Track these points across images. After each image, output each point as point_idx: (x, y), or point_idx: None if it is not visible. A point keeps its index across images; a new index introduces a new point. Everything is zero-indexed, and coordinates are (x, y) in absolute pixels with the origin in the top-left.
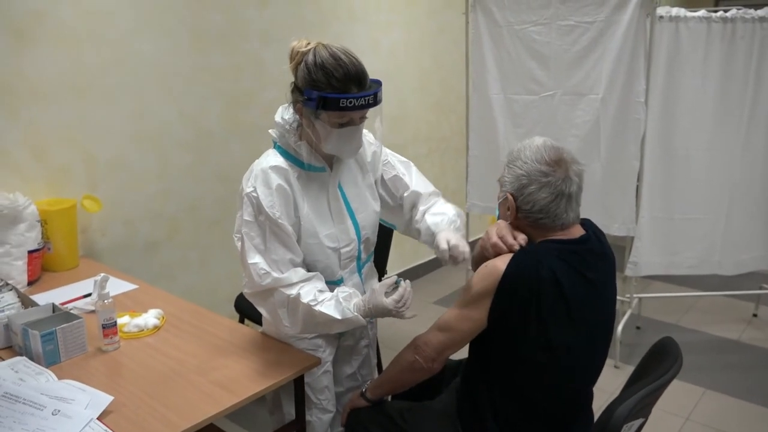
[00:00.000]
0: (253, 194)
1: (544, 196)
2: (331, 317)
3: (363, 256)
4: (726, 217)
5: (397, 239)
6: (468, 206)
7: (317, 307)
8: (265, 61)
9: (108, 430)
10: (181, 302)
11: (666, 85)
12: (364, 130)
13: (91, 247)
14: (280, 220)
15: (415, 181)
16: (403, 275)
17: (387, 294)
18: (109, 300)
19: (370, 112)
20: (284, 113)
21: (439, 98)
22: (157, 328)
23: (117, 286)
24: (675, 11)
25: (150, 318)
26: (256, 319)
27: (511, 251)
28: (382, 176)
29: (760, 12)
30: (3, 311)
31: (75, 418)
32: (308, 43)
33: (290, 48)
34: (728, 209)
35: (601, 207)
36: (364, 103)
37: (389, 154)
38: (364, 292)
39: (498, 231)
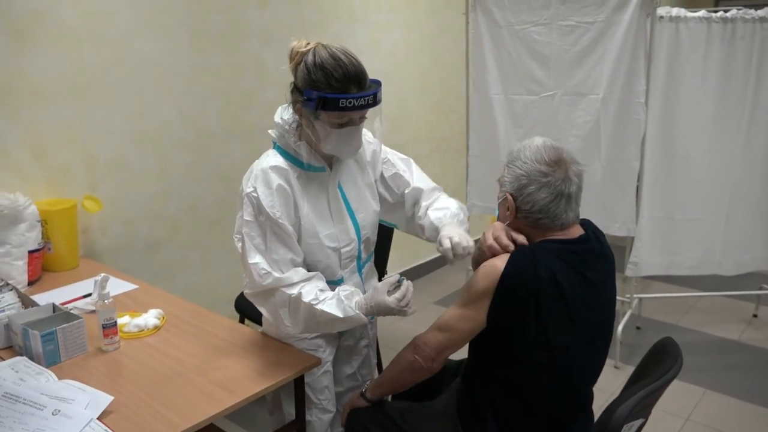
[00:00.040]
0: (254, 194)
1: (543, 196)
2: (333, 316)
3: (363, 255)
4: (726, 218)
5: (398, 239)
6: (468, 206)
7: (319, 306)
8: (265, 61)
9: (108, 430)
10: (181, 302)
11: (666, 85)
12: (364, 130)
13: (91, 247)
14: (280, 220)
15: (416, 177)
16: (404, 275)
17: (389, 293)
18: (110, 300)
19: (370, 112)
20: (283, 113)
21: (440, 98)
22: (157, 328)
23: (117, 286)
24: (675, 11)
25: (150, 318)
26: (257, 319)
27: (506, 252)
28: (382, 174)
29: (761, 12)
30: (3, 311)
31: (75, 418)
32: (308, 44)
33: (290, 48)
34: (728, 210)
35: (601, 207)
36: (363, 103)
37: (389, 152)
38: (364, 292)
39: (494, 232)
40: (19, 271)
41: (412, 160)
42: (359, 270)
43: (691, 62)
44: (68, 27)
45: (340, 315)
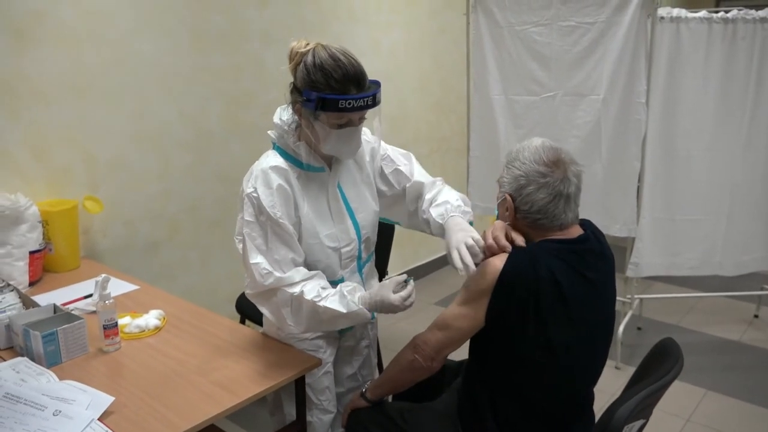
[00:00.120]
0: (254, 194)
1: (542, 196)
2: (336, 311)
3: (363, 255)
4: (727, 218)
5: (398, 240)
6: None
7: (321, 303)
8: (266, 61)
9: (109, 430)
10: (181, 303)
11: (667, 85)
12: (363, 128)
13: (92, 247)
14: (281, 220)
15: (417, 171)
16: (403, 275)
17: (395, 291)
18: (110, 301)
19: (370, 113)
20: (282, 114)
21: (440, 99)
22: (158, 328)
23: (118, 286)
24: (676, 12)
25: (151, 318)
26: (257, 319)
27: (503, 252)
28: (382, 170)
29: (761, 13)
30: (4, 312)
31: (76, 419)
32: (307, 44)
33: (289, 48)
34: (729, 210)
35: (602, 208)
36: (363, 104)
37: (388, 149)
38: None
39: (493, 232)
40: (20, 272)
41: (412, 155)
42: (359, 270)
43: (691, 63)
44: (68, 27)
45: (344, 310)
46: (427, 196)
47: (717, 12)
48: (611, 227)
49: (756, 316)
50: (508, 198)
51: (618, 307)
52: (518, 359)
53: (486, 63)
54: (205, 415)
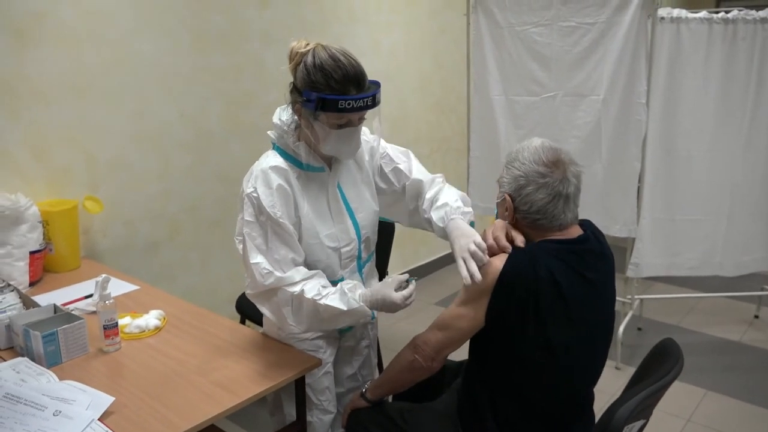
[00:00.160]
0: (254, 194)
1: (541, 197)
2: (337, 309)
3: (363, 255)
4: (727, 219)
5: (398, 240)
6: None
7: (322, 301)
8: (266, 61)
9: (109, 430)
10: (182, 303)
11: (667, 86)
12: (363, 128)
13: (92, 248)
14: (281, 220)
15: (415, 168)
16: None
17: (396, 289)
18: (111, 301)
19: (369, 113)
20: (282, 114)
21: (440, 99)
22: (158, 328)
23: (118, 287)
24: (676, 12)
25: (151, 319)
26: (257, 319)
27: (504, 252)
28: (381, 168)
29: (762, 13)
30: (5, 312)
31: (76, 419)
32: (307, 44)
33: (289, 49)
34: (729, 210)
35: (602, 208)
36: (362, 104)
37: (388, 147)
38: None
39: (494, 232)
40: (20, 272)
41: (410, 152)
42: (359, 270)
43: (692, 63)
44: (68, 27)
45: (344, 308)
46: (428, 195)
47: (717, 12)
48: (611, 227)
49: (756, 317)
50: (508, 198)
51: (618, 307)
52: (518, 359)
53: (486, 63)
54: (205, 415)
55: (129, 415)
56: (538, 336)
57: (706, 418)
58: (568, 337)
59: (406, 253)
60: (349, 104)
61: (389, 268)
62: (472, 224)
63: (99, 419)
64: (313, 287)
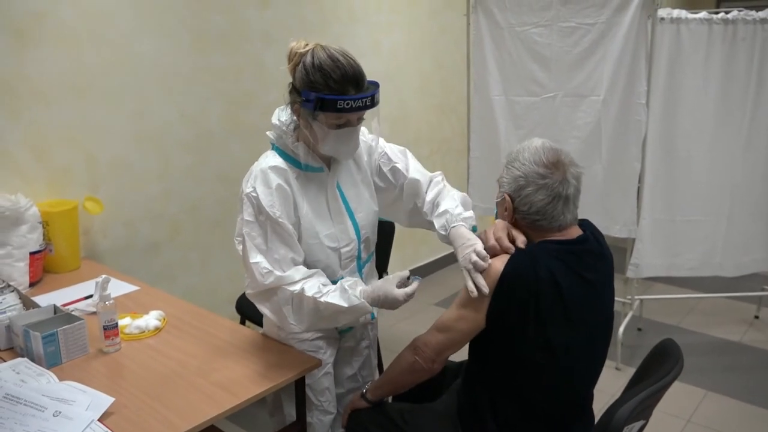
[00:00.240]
0: (253, 194)
1: (541, 198)
2: (338, 306)
3: (363, 255)
4: (727, 219)
5: (399, 240)
6: None
7: (323, 299)
8: (266, 61)
9: (109, 431)
10: (182, 303)
11: (667, 86)
12: (362, 128)
13: (92, 248)
14: (280, 219)
15: (412, 167)
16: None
17: (398, 286)
18: (111, 301)
19: (368, 113)
20: (281, 115)
21: (440, 99)
22: (158, 329)
23: (118, 287)
24: (676, 13)
25: (151, 319)
26: (257, 320)
27: (506, 253)
28: (380, 168)
29: (761, 14)
30: (4, 312)
31: (76, 420)
32: (306, 45)
33: (288, 49)
34: (729, 211)
35: (602, 209)
36: (361, 104)
37: (386, 146)
38: None
39: (495, 232)
40: (20, 273)
41: (407, 150)
42: (359, 270)
43: (692, 63)
44: (68, 27)
45: (345, 305)
46: (428, 197)
47: (717, 13)
48: (611, 228)
49: (756, 317)
50: (507, 198)
51: (618, 307)
52: (518, 360)
53: (486, 64)
54: (205, 415)
55: (129, 415)
56: (539, 337)
57: (706, 419)
58: (567, 337)
59: (406, 254)
60: (347, 104)
61: (389, 269)
62: (474, 229)
63: (99, 420)
64: (314, 285)
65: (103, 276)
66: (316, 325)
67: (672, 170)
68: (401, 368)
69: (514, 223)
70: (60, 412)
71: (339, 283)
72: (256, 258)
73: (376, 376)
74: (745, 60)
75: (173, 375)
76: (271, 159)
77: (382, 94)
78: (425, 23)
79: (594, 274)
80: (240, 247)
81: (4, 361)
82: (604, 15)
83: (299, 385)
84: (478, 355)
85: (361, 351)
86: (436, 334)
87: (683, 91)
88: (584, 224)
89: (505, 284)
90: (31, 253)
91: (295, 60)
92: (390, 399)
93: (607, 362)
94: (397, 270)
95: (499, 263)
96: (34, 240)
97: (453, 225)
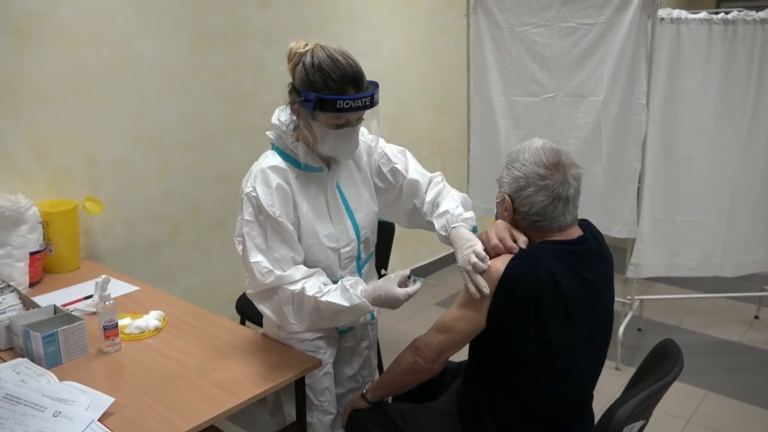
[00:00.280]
0: (253, 194)
1: (541, 199)
2: (339, 306)
3: (363, 255)
4: (727, 219)
5: (399, 240)
6: None
7: (323, 298)
8: (266, 61)
9: (109, 431)
10: (182, 303)
11: (667, 86)
12: (361, 128)
13: (92, 248)
14: (280, 219)
15: (411, 168)
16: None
17: (399, 285)
18: (111, 302)
19: (368, 114)
20: (281, 115)
21: (440, 99)
22: (158, 329)
23: (118, 287)
24: (676, 13)
25: (151, 319)
26: (257, 320)
27: (510, 253)
28: (379, 168)
29: (761, 14)
30: (4, 313)
31: (76, 420)
32: (306, 44)
33: (288, 49)
34: (729, 211)
35: (602, 209)
36: (360, 104)
37: (386, 147)
38: None
39: (498, 233)
40: (20, 273)
41: (407, 151)
42: (359, 270)
43: (692, 64)
44: (68, 27)
45: (346, 304)
46: (428, 198)
47: (717, 13)
48: (611, 228)
49: (756, 317)
50: (507, 198)
51: (618, 308)
52: (519, 361)
53: (486, 64)
54: (205, 416)
55: (129, 415)
56: (539, 337)
57: (706, 419)
58: (567, 338)
59: (406, 254)
60: (347, 104)
61: (389, 269)
62: (474, 229)
63: (99, 420)
64: (314, 285)
65: (103, 276)
66: (316, 324)
67: (672, 170)
68: (401, 369)
69: (514, 224)
70: (60, 413)
71: (340, 282)
72: (257, 257)
73: (376, 376)
74: (745, 60)
75: (173, 375)
76: (271, 159)
77: (382, 94)
78: (425, 23)
79: (594, 275)
80: (240, 248)
81: (4, 361)
82: (604, 15)
83: (299, 385)
84: (479, 355)
85: (361, 351)
86: (437, 335)
87: (683, 91)
88: (584, 224)
89: (505, 285)
90: (31, 254)
91: (295, 60)
92: (390, 399)
93: (607, 362)
94: (398, 270)
95: (500, 264)
96: (34, 240)
97: (453, 226)
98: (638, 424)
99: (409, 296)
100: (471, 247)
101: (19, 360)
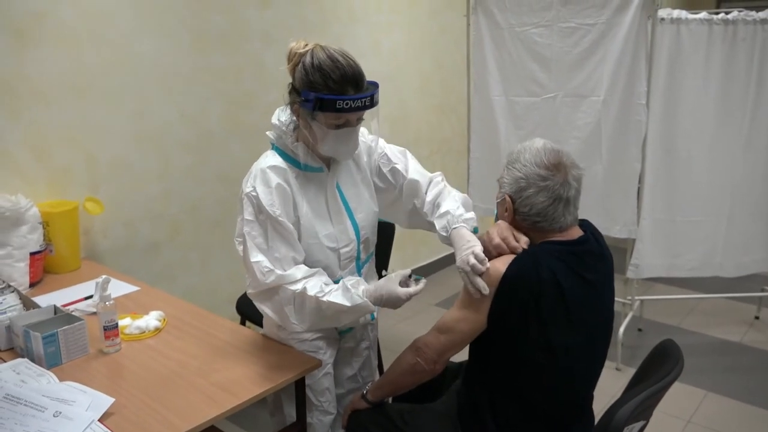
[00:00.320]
0: (253, 194)
1: (541, 200)
2: (340, 306)
3: (362, 256)
4: (727, 219)
5: (399, 241)
6: None
7: (325, 298)
8: (266, 61)
9: (109, 431)
10: (182, 304)
11: (667, 86)
12: (361, 128)
13: (92, 248)
14: (280, 218)
15: (411, 168)
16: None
17: (401, 285)
18: (111, 302)
19: (368, 114)
20: (281, 115)
21: (440, 100)
22: (158, 329)
23: (118, 287)
24: (676, 13)
25: (151, 320)
26: (258, 320)
27: (513, 253)
28: (379, 168)
29: (761, 14)
30: (5, 313)
31: (76, 420)
32: (306, 45)
33: (288, 49)
34: (730, 211)
35: (602, 209)
36: (360, 104)
37: (386, 147)
38: None
39: (500, 232)
40: (20, 273)
41: (407, 151)
42: (359, 270)
43: (692, 64)
44: (68, 27)
45: (348, 304)
46: (428, 198)
47: (717, 13)
48: (612, 228)
49: (757, 318)
50: (508, 199)
51: (618, 308)
52: (520, 361)
53: (486, 64)
54: (205, 416)
55: (129, 416)
56: (540, 337)
57: (706, 419)
58: (568, 338)
59: (406, 254)
60: (347, 104)
61: (390, 270)
62: (475, 230)
63: (99, 420)
64: (316, 284)
65: (103, 276)
66: (318, 324)
67: (672, 170)
68: (402, 369)
69: (515, 224)
70: (60, 413)
71: (341, 282)
72: (257, 257)
73: (377, 376)
74: (745, 60)
75: (173, 375)
76: (271, 159)
77: (382, 94)
78: (425, 23)
79: (594, 275)
80: (240, 248)
81: (5, 361)
82: (604, 15)
83: (299, 385)
84: (479, 355)
85: (361, 352)
86: (438, 335)
87: (683, 91)
88: (584, 224)
89: (507, 285)
90: (32, 254)
91: (295, 60)
92: (390, 399)
93: (608, 363)
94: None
95: (501, 264)
96: (34, 240)
97: (454, 226)
98: (638, 425)
99: (411, 296)
100: (470, 248)
101: (19, 360)
